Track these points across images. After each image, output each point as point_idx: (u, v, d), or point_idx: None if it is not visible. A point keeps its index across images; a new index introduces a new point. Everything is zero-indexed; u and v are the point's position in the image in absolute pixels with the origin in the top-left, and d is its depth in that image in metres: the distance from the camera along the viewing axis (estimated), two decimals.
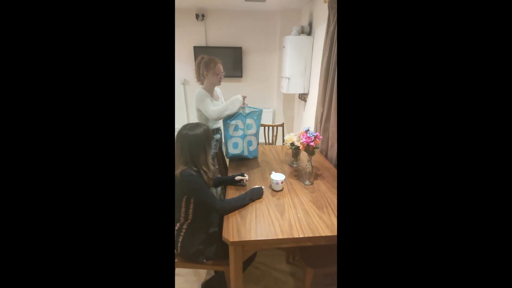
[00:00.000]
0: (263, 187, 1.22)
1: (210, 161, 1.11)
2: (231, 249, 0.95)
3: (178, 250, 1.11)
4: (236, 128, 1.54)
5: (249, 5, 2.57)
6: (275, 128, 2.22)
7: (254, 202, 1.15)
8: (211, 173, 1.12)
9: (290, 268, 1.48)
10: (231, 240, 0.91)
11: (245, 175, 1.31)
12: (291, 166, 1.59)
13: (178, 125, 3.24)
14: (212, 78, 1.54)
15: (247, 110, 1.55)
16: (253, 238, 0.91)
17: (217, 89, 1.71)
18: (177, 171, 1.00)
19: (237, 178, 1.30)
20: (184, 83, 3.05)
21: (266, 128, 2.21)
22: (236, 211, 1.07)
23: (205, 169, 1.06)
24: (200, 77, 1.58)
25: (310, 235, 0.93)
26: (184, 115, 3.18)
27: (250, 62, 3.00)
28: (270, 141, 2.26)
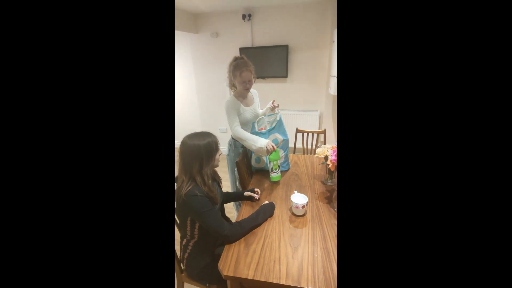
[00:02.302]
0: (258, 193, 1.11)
1: (206, 173, 0.96)
2: (228, 282, 0.82)
3: (184, 266, 1.06)
4: None
5: None
6: (315, 135, 1.95)
7: (266, 228, 0.98)
8: (207, 187, 0.98)
9: None
10: (225, 273, 0.78)
11: (255, 190, 1.17)
12: (324, 183, 1.33)
13: (223, 127, 3.31)
14: (238, 84, 1.40)
15: (266, 120, 1.38)
16: (249, 277, 0.76)
17: (253, 91, 1.57)
18: (183, 192, 0.90)
19: (246, 194, 1.16)
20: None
21: (305, 134, 1.97)
22: (242, 237, 0.93)
23: (199, 179, 0.94)
24: (231, 82, 1.46)
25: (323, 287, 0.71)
26: None
27: (297, 61, 2.76)
28: (313, 147, 2.01)
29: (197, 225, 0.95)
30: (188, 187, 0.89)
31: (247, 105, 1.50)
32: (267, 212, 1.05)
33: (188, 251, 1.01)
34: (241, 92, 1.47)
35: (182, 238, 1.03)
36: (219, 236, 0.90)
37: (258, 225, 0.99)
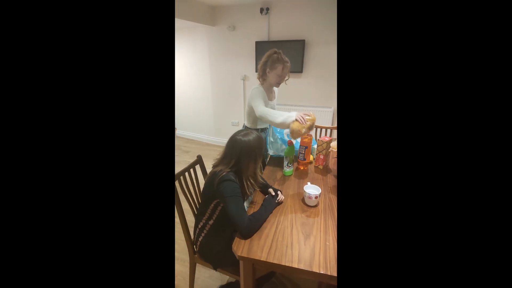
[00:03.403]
0: (282, 197, 1.09)
1: (258, 172, 1.04)
2: (240, 263, 0.85)
3: (197, 249, 1.10)
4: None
5: None
6: (329, 130, 1.95)
7: (279, 215, 1.01)
8: (258, 186, 1.05)
9: None
10: (239, 254, 0.82)
11: (279, 193, 1.09)
12: (337, 177, 1.34)
13: (235, 120, 3.34)
14: (272, 77, 1.41)
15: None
16: (263, 259, 0.79)
17: (275, 89, 1.61)
18: (217, 169, 0.97)
19: (270, 190, 1.10)
20: (244, 78, 3.09)
21: (319, 130, 1.97)
22: None
23: (252, 181, 1.00)
24: (262, 73, 1.44)
25: (334, 273, 0.73)
26: (242, 111, 3.24)
27: (313, 56, 2.74)
28: None
29: (219, 208, 0.99)
30: (224, 172, 0.93)
31: (270, 99, 1.54)
32: (272, 204, 1.03)
33: (203, 233, 1.04)
34: (268, 86, 1.49)
35: (198, 221, 1.07)
36: (237, 225, 0.88)
37: (266, 218, 0.97)
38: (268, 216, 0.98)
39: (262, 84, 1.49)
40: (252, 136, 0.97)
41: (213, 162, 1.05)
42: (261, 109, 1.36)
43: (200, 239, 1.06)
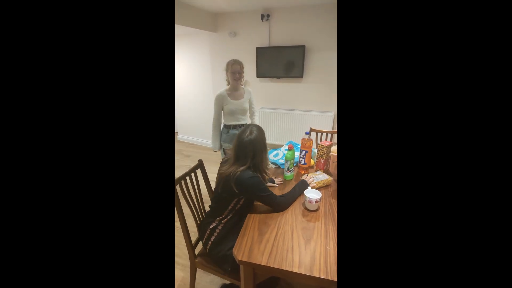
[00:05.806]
0: (309, 186, 1.19)
1: (269, 163, 1.20)
2: (241, 267, 0.85)
3: (207, 250, 1.09)
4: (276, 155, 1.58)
5: None
6: (329, 135, 1.95)
7: (280, 219, 1.01)
8: (269, 174, 1.17)
9: None
10: (239, 258, 0.82)
11: (273, 180, 1.28)
12: (337, 182, 1.34)
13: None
14: (230, 78, 1.69)
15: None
16: (263, 263, 0.79)
17: (247, 89, 1.80)
18: (232, 169, 1.00)
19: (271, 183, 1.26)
20: (245, 84, 3.12)
21: (319, 134, 1.98)
22: (256, 227, 0.97)
23: (267, 171, 1.10)
24: (227, 79, 1.77)
25: (334, 278, 0.73)
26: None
27: (313, 62, 2.77)
28: None
29: (239, 206, 1.04)
30: (239, 171, 0.99)
31: (234, 98, 1.74)
32: (301, 187, 1.17)
33: (215, 233, 1.06)
34: (232, 86, 1.73)
35: (210, 222, 1.08)
36: (272, 204, 1.05)
37: (296, 197, 1.14)
38: (298, 196, 1.15)
39: (227, 88, 1.75)
40: (255, 132, 1.04)
41: (224, 165, 1.08)
42: (213, 123, 1.81)
43: (211, 239, 1.06)
